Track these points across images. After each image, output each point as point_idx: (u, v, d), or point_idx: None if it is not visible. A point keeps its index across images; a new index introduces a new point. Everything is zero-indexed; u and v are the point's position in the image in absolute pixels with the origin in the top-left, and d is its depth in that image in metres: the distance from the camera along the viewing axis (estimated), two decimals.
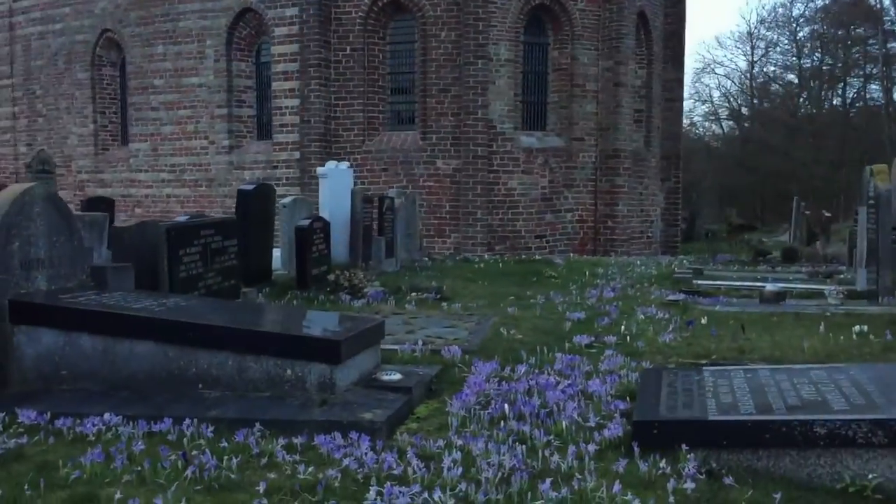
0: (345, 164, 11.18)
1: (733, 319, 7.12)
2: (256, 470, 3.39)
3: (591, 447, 3.63)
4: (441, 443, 3.66)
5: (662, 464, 3.43)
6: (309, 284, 7.87)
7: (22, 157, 21.55)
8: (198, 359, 4.14)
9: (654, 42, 18.12)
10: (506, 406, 4.16)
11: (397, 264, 10.78)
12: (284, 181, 16.27)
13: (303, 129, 16.17)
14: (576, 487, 3.16)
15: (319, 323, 4.48)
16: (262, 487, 3.09)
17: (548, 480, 3.15)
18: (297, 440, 3.62)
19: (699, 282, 9.89)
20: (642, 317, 6.91)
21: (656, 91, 18.31)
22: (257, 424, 3.69)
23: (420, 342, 5.41)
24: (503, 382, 4.66)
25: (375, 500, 3.05)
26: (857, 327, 6.40)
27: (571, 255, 15.69)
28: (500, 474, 3.27)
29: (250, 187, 7.97)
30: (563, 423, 3.96)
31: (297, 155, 16.34)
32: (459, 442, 3.67)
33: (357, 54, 16.09)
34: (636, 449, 3.58)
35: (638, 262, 12.24)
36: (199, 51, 17.98)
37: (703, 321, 6.85)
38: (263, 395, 4.09)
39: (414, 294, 7.88)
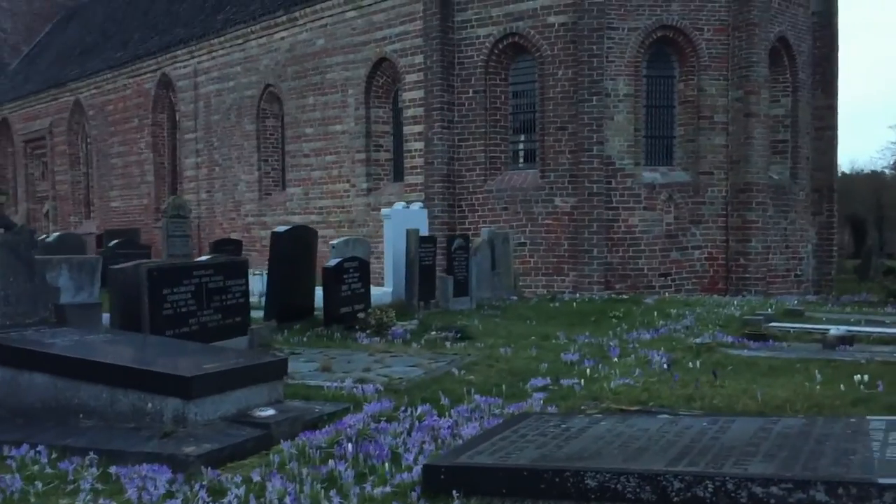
0: (417, 205, 11.46)
1: (752, 365, 6.66)
2: (59, 496, 3.69)
3: (386, 489, 3.64)
4: (239, 478, 3.79)
5: None
6: (335, 321, 8.18)
7: (204, 203, 23.73)
8: (80, 391, 4.53)
9: (800, 68, 17.03)
10: (349, 446, 4.22)
11: (472, 303, 10.86)
12: None
13: (427, 171, 16.67)
14: None
15: (195, 359, 4.74)
16: None
17: None
18: (115, 470, 3.89)
19: (774, 324, 9.19)
20: (633, 360, 6.60)
21: (804, 120, 17.16)
22: (91, 453, 4.00)
23: (350, 381, 5.54)
24: (388, 422, 4.70)
25: None
26: (857, 376, 5.78)
27: (699, 293, 15.00)
28: None
29: (283, 229, 8.44)
30: (385, 465, 3.97)
31: (423, 196, 16.84)
32: (257, 478, 3.78)
33: (479, 96, 16.42)
34: (413, 494, 3.54)
35: (735, 304, 11.51)
36: (343, 100, 19.07)
37: (722, 367, 6.45)
38: (129, 425, 4.41)
39: (435, 333, 7.97)
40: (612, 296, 12.99)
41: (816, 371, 6.00)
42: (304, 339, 7.69)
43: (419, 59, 17.00)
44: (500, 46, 16.28)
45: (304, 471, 3.89)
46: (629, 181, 15.45)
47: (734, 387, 5.63)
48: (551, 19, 15.63)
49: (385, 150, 18.79)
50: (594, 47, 15.12)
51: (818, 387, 5.59)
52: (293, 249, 8.47)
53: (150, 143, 25.90)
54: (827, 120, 17.60)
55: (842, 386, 5.60)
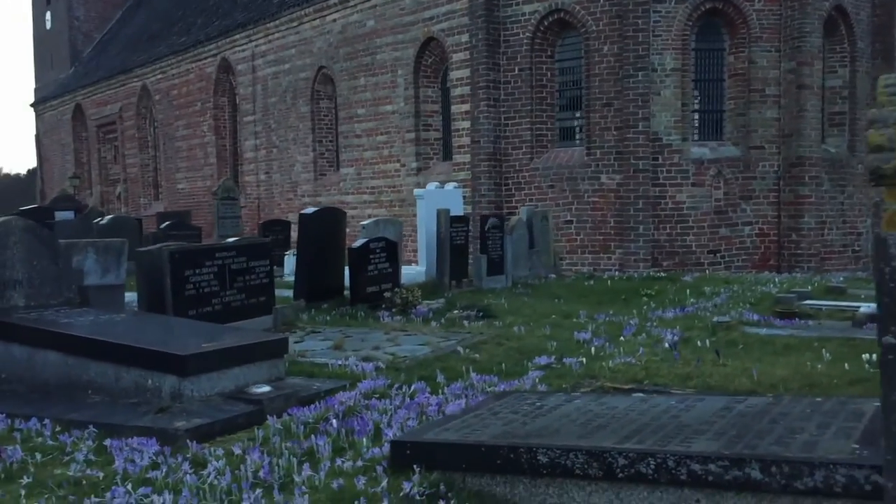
0: (452, 185, 11.55)
1: (767, 343, 6.62)
2: (55, 466, 3.96)
3: (358, 463, 3.81)
4: (221, 451, 4.00)
5: (384, 483, 3.53)
6: (361, 300, 8.38)
7: (262, 184, 24.25)
8: (89, 368, 4.81)
9: (858, 38, 16.48)
10: (334, 422, 4.39)
11: (507, 281, 10.94)
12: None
13: (473, 150, 16.73)
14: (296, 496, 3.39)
15: (198, 339, 4.95)
16: (26, 480, 3.65)
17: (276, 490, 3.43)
18: (110, 442, 4.14)
19: (809, 302, 9.04)
20: (643, 338, 6.62)
21: (863, 91, 16.61)
22: (91, 427, 4.27)
23: (354, 359, 5.72)
24: (380, 399, 4.87)
25: (112, 498, 3.48)
26: (865, 356, 5.70)
27: (750, 270, 14.78)
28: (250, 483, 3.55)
29: (310, 211, 8.66)
30: (364, 440, 4.13)
31: (469, 175, 16.93)
32: (238, 452, 3.98)
33: (525, 74, 16.37)
34: (379, 468, 3.70)
35: (776, 281, 11.32)
36: (392, 80, 19.23)
37: (734, 346, 6.45)
38: (131, 401, 4.67)
39: (457, 312, 8.10)
40: (652, 273, 12.90)
41: (824, 350, 5.94)
42: (328, 318, 7.91)
43: (465, 37, 17.02)
44: (546, 23, 16.19)
45: (286, 445, 4.08)
46: (676, 157, 15.24)
47: (736, 366, 5.63)
48: None
49: (434, 130, 18.90)
50: (639, 21, 14.92)
51: (821, 366, 5.55)
52: (321, 230, 8.69)
53: (212, 125, 26.54)
54: None
55: (846, 365, 5.54)
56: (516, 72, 16.44)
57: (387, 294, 8.53)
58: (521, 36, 16.36)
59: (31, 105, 40.59)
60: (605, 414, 3.91)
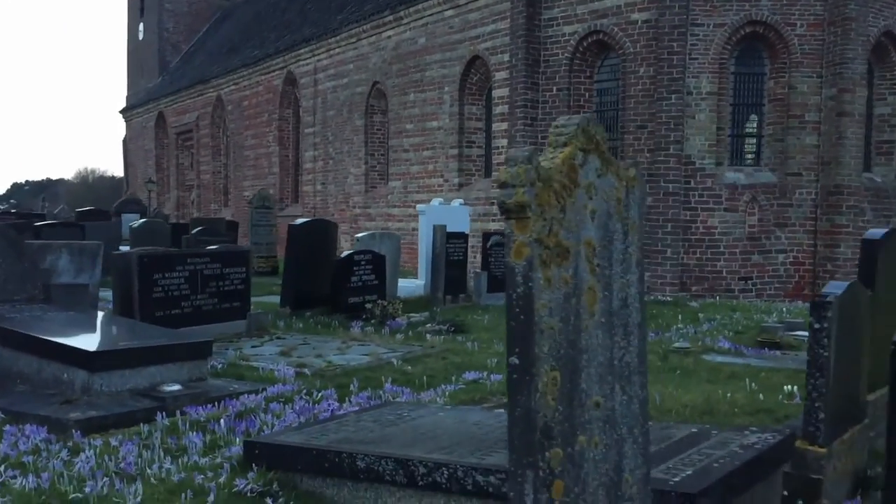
0: (458, 202, 11.73)
1: (712, 370, 6.63)
2: None
3: (216, 460, 4.08)
4: (100, 442, 4.32)
5: (222, 479, 3.78)
6: (342, 310, 8.66)
7: (319, 195, 24.90)
8: (19, 360, 5.21)
9: None
10: (221, 421, 4.66)
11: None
12: (497, 216, 17.07)
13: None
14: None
15: (122, 338, 5.29)
16: None
17: (126, 482, 3.74)
18: (8, 428, 4.51)
19: (792, 333, 8.89)
20: None
21: None
22: (0, 413, 4.65)
23: (282, 364, 5.99)
24: (284, 403, 5.12)
25: None
26: (787, 387, 5.67)
27: (782, 299, 14.48)
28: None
29: (300, 222, 8.99)
30: (238, 439, 4.39)
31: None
32: (115, 444, 4.29)
33: (563, 94, 16.45)
34: (227, 465, 3.95)
35: (784, 310, 11.11)
36: (439, 97, 19.56)
37: (672, 371, 6.49)
38: (49, 392, 5.05)
39: (430, 325, 8.29)
40: (660, 298, 12.80)
41: (748, 380, 5.92)
42: (303, 325, 8.21)
43: (507, 56, 17.21)
44: (585, 44, 16.24)
45: (159, 441, 4.37)
46: (710, 181, 15.07)
47: (654, 390, 5.66)
48: (634, 16, 15.45)
49: (477, 147, 19.13)
50: (674, 44, 14.84)
51: (738, 395, 5.54)
52: (310, 240, 9.01)
53: (277, 136, 27.39)
54: None
55: (762, 395, 5.53)
56: (554, 91, 16.54)
57: (368, 305, 8.78)
58: (561, 56, 16.45)
59: (120, 112, 42.54)
60: (447, 426, 4.06)
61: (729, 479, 3.02)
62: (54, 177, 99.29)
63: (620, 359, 2.58)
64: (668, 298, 12.58)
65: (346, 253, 8.86)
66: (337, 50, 23.74)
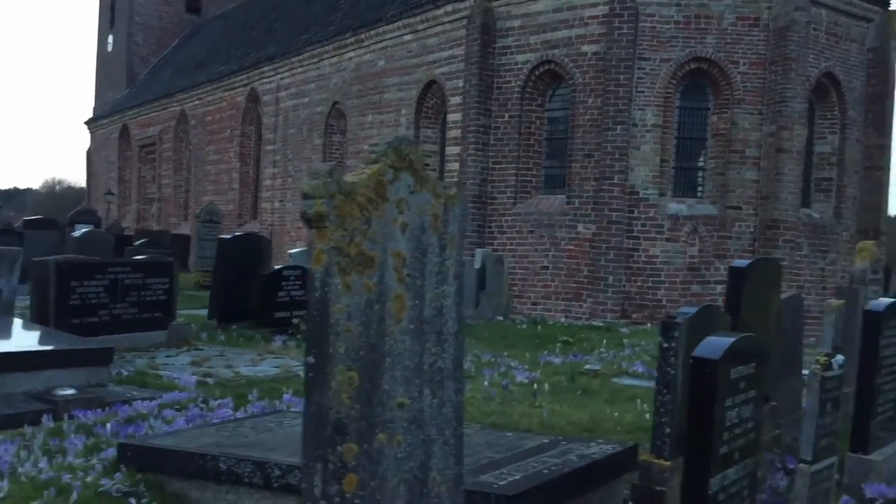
0: None
1: (615, 392, 6.82)
2: None
3: (92, 461, 4.16)
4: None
5: (90, 479, 3.88)
6: (268, 325, 8.76)
7: (276, 212, 24.96)
8: None
9: (850, 106, 16.47)
10: (108, 426, 4.76)
11: None
12: None
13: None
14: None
15: (19, 342, 5.38)
16: None
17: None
18: None
19: None
20: (496, 377, 6.86)
21: (852, 158, 16.57)
22: None
23: (186, 374, 6.08)
24: (177, 410, 5.22)
25: None
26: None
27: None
28: None
29: (230, 236, 9.10)
30: (116, 443, 4.48)
31: None
32: None
33: (514, 121, 16.74)
34: (99, 465, 4.05)
35: None
36: (396, 119, 19.79)
37: (575, 392, 6.67)
38: None
39: None
40: (595, 323, 13.03)
41: (639, 400, 6.12)
42: (225, 337, 8.30)
43: (462, 82, 17.49)
44: (537, 73, 16.57)
45: (39, 442, 4.46)
46: (652, 211, 15.39)
47: (552, 408, 5.84)
48: (585, 48, 15.81)
49: (431, 170, 19.30)
50: (621, 77, 15.20)
51: (628, 415, 5.72)
52: (239, 255, 9.12)
53: (238, 152, 27.44)
54: (877, 159, 16.87)
55: (647, 416, 5.70)
56: (506, 118, 16.83)
57: (295, 321, 8.89)
58: (513, 84, 16.76)
59: (85, 122, 42.35)
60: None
61: (554, 484, 3.18)
62: (22, 186, 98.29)
63: (432, 364, 2.73)
64: (601, 324, 12.80)
65: (275, 268, 8.97)
66: (299, 69, 23.93)
